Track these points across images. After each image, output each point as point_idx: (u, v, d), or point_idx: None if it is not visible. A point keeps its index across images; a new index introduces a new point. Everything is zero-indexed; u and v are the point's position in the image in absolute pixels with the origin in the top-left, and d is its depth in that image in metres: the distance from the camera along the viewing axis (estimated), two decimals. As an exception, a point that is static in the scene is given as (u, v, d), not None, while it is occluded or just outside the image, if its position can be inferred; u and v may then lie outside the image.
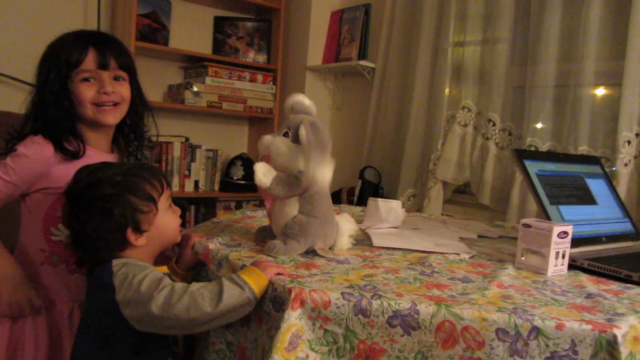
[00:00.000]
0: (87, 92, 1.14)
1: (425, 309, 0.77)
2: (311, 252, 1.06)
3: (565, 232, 1.04)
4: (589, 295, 0.90)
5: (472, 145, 2.27)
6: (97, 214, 0.94)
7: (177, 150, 2.79)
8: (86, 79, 1.14)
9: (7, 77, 2.44)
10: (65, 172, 1.08)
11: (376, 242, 1.22)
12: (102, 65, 1.15)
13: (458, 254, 1.15)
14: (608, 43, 1.91)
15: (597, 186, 1.37)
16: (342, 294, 0.80)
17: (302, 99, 1.10)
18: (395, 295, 0.81)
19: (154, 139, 1.36)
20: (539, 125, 2.06)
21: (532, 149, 2.04)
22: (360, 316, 0.78)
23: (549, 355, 0.75)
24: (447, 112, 2.36)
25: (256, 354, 0.90)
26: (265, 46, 3.09)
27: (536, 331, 0.74)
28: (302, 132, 1.00)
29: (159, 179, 1.00)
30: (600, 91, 1.98)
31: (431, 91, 2.41)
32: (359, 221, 1.34)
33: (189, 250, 1.11)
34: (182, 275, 1.09)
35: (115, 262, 0.92)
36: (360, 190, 2.53)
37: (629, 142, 1.80)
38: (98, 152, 1.20)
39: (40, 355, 1.15)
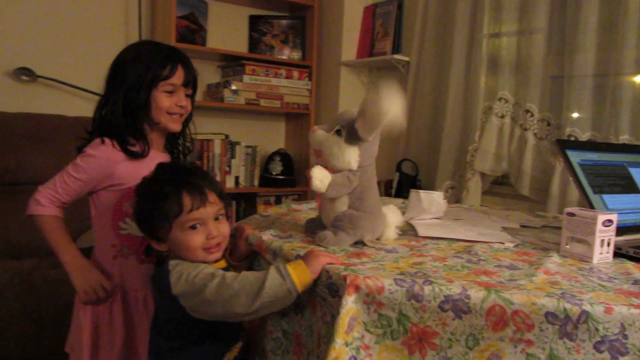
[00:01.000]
0: (165, 102, 1.26)
1: (476, 294, 0.81)
2: (360, 243, 1.11)
3: (610, 221, 1.06)
4: (636, 282, 0.92)
5: (510, 136, 2.27)
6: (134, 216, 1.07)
7: (217, 148, 2.87)
8: (169, 92, 1.26)
9: (51, 80, 2.55)
10: (129, 170, 1.19)
11: (421, 232, 1.25)
12: (185, 83, 1.28)
13: (502, 243, 1.17)
14: (649, 30, 1.89)
15: (640, 174, 1.37)
16: (394, 280, 0.84)
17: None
18: (446, 281, 0.85)
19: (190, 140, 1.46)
20: (578, 115, 2.05)
21: (572, 139, 2.04)
22: (412, 301, 0.83)
23: (599, 339, 0.77)
24: (484, 103, 2.37)
25: (311, 340, 0.95)
26: (300, 43, 3.14)
27: (585, 315, 0.77)
28: (359, 118, 1.03)
29: (193, 194, 1.00)
30: (642, 79, 1.96)
31: (467, 83, 2.42)
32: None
33: (242, 241, 1.16)
34: (235, 266, 1.15)
35: (171, 262, 1.00)
36: (398, 182, 2.56)
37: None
38: (157, 152, 1.30)
39: (118, 339, 1.26)
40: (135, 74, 1.23)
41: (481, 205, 2.27)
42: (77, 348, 1.28)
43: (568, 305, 0.78)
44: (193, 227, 1.01)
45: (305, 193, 3.16)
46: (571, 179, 1.35)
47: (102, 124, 1.25)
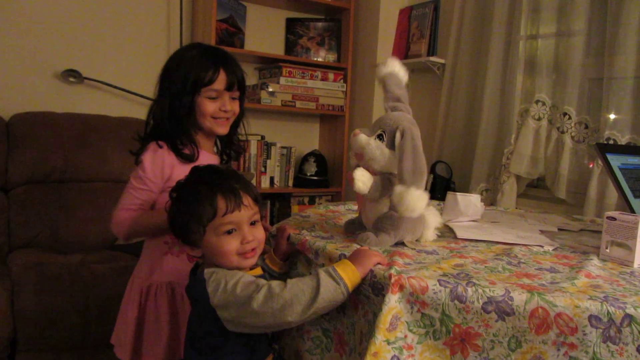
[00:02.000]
0: (210, 107, 1.29)
1: (519, 296, 0.82)
2: (400, 244, 1.13)
3: (652, 225, 1.06)
4: (679, 286, 0.92)
5: (547, 139, 2.26)
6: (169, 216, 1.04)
7: (253, 148, 2.93)
8: (212, 97, 1.29)
9: (96, 82, 2.64)
10: (183, 173, 1.22)
11: (460, 234, 1.27)
12: (229, 87, 1.30)
13: (541, 246, 1.18)
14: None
15: (683, 179, 1.36)
16: (438, 280, 0.86)
17: (397, 71, 1.14)
18: (488, 283, 0.86)
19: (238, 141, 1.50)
20: (617, 118, 2.03)
21: (611, 142, 2.02)
22: (456, 302, 0.85)
23: (643, 342, 0.78)
24: (520, 106, 2.36)
25: (354, 337, 0.98)
26: (336, 45, 3.17)
27: (629, 319, 0.78)
28: (398, 140, 1.05)
29: (228, 197, 0.98)
30: (685, 82, 1.93)
31: (503, 85, 2.42)
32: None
33: (284, 241, 1.20)
34: (279, 264, 1.18)
35: (206, 271, 0.97)
36: (431, 184, 2.57)
37: None
38: (208, 154, 1.35)
39: (163, 335, 1.30)
40: (179, 80, 1.26)
41: (516, 209, 2.26)
42: (123, 340, 1.33)
43: (612, 309, 0.79)
44: (228, 232, 0.98)
45: (338, 194, 3.19)
46: (611, 182, 1.35)
47: (152, 129, 1.30)
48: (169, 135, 1.27)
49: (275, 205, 3.10)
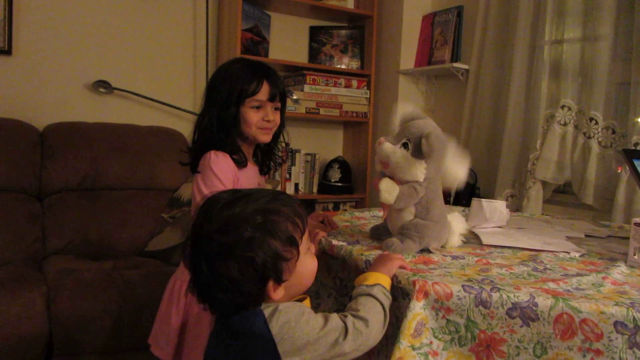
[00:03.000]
0: (254, 117, 1.34)
1: (544, 301, 0.83)
2: (425, 250, 1.14)
3: (681, 231, 1.05)
4: None
5: (573, 144, 2.24)
6: (235, 262, 0.82)
7: (278, 155, 2.96)
8: (256, 107, 1.34)
9: (126, 92, 2.71)
10: (242, 178, 1.32)
11: (485, 240, 1.28)
12: (271, 98, 1.36)
13: (568, 253, 1.18)
14: None
15: None
16: (462, 286, 0.87)
17: (402, 112, 1.23)
18: (513, 289, 0.87)
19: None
20: (645, 122, 2.01)
21: (639, 147, 1.99)
22: (480, 307, 0.86)
23: (669, 349, 0.78)
24: (546, 111, 2.35)
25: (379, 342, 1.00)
26: (359, 52, 3.19)
27: (655, 325, 0.79)
28: (425, 147, 1.07)
29: (299, 214, 0.89)
30: None
31: (528, 90, 2.41)
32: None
33: (316, 244, 1.22)
34: None
35: (265, 308, 0.84)
36: (455, 190, 2.57)
37: None
38: (250, 163, 1.40)
39: (203, 337, 1.29)
40: (225, 91, 1.33)
41: (542, 214, 2.25)
42: (163, 341, 1.36)
43: (638, 315, 0.79)
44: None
45: (362, 200, 3.21)
46: (639, 188, 1.34)
47: (200, 139, 1.35)
48: (218, 145, 1.32)
49: (300, 212, 3.12)
